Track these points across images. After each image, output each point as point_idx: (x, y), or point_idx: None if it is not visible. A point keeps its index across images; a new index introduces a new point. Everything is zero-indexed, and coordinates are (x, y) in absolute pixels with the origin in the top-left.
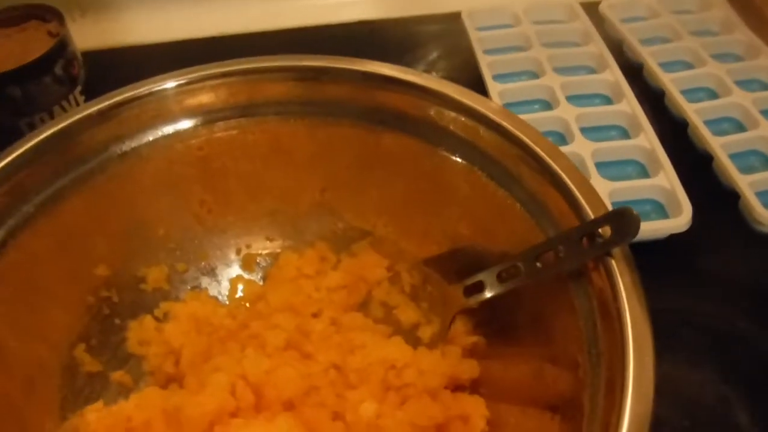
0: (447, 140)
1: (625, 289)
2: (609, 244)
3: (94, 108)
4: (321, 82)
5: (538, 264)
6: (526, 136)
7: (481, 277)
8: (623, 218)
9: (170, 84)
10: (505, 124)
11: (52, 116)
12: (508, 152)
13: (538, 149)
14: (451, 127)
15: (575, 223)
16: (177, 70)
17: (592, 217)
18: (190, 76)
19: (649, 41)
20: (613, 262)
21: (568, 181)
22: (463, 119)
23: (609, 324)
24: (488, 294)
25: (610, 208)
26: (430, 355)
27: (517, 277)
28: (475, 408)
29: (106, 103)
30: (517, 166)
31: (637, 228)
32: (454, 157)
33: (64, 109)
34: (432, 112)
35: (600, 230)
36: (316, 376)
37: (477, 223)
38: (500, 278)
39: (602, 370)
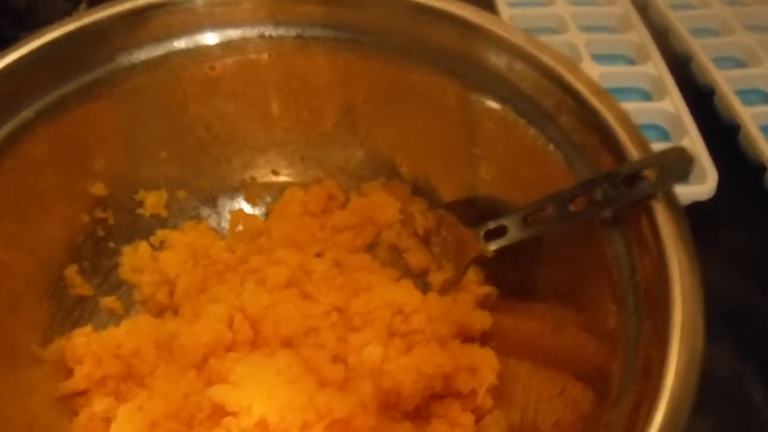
0: (476, 74)
1: (671, 234)
2: (656, 185)
3: (104, 13)
4: (346, 6)
5: (572, 208)
6: (565, 70)
7: (504, 221)
8: (674, 157)
9: None
10: (542, 56)
11: None
12: (544, 88)
13: (579, 85)
14: (483, 61)
15: (615, 166)
16: None
17: (636, 159)
18: None
19: (677, 6)
20: (658, 205)
21: (612, 120)
22: (497, 51)
23: (651, 272)
24: (511, 239)
25: None
26: (441, 301)
27: (545, 222)
28: (485, 360)
29: (117, 9)
30: (554, 104)
31: (690, 169)
32: (481, 93)
33: None
34: (463, 44)
35: (644, 172)
36: (317, 317)
37: (502, 166)
38: (526, 222)
39: (640, 321)
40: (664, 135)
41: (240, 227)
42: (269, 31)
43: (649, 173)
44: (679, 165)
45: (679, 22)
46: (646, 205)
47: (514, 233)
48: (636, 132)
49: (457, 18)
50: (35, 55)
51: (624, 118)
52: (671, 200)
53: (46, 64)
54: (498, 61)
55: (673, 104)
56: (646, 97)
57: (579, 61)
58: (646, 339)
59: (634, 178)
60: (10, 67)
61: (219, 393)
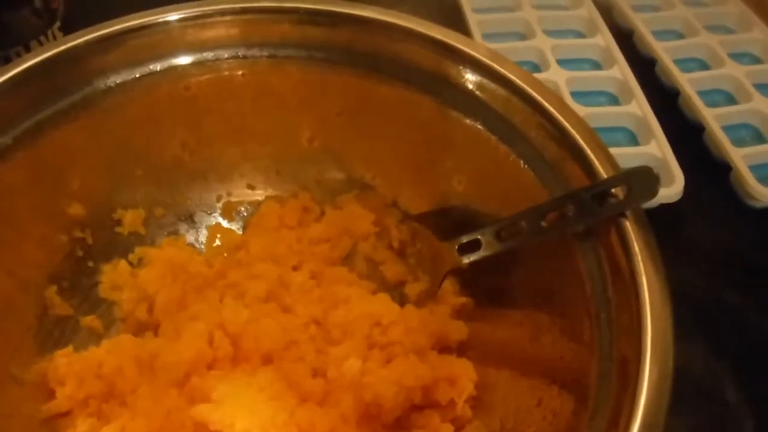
0: (447, 91)
1: (640, 251)
2: (624, 204)
3: (81, 39)
4: (318, 25)
5: (543, 223)
6: (535, 90)
7: (478, 234)
8: (642, 177)
9: (161, 19)
10: (512, 77)
11: (28, 51)
12: (514, 107)
13: (547, 105)
14: (453, 79)
15: (584, 183)
16: (169, 5)
17: (604, 177)
18: (182, 12)
19: (640, 8)
20: (627, 223)
21: (579, 139)
22: (466, 70)
23: (622, 288)
24: (485, 252)
25: None
26: (418, 313)
27: (518, 236)
28: (464, 370)
29: (94, 34)
30: (523, 121)
31: (657, 189)
32: (453, 110)
33: (41, 44)
34: (433, 62)
35: (613, 190)
36: (295, 330)
37: (474, 180)
38: (499, 237)
39: (613, 336)
40: (632, 138)
41: (217, 242)
42: (242, 51)
43: (617, 191)
44: (646, 185)
45: (643, 24)
46: (616, 222)
47: (488, 247)
48: (604, 149)
49: (426, 37)
50: (12, 82)
51: (591, 136)
52: (639, 218)
53: (23, 91)
54: (467, 79)
55: (639, 107)
56: (613, 100)
57: (546, 66)
58: (619, 354)
59: (603, 195)
60: None
61: (202, 412)
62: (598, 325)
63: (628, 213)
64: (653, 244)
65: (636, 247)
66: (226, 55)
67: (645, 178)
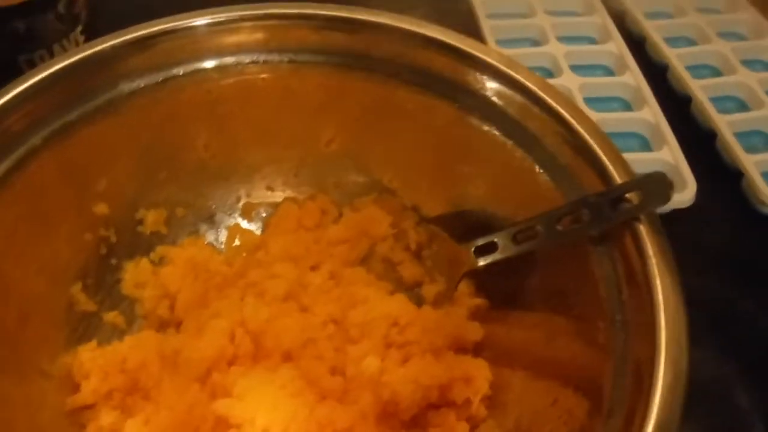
0: (464, 98)
1: (655, 254)
2: (638, 209)
3: (108, 43)
4: (336, 31)
5: (559, 227)
6: (550, 97)
7: (494, 237)
8: (656, 183)
9: (184, 24)
10: (528, 84)
11: (52, 54)
12: (530, 113)
13: (563, 111)
14: (470, 85)
15: (599, 187)
16: (191, 11)
17: (619, 182)
18: (204, 18)
19: (652, 15)
20: (642, 227)
21: (594, 145)
22: (483, 77)
23: (636, 291)
24: (501, 255)
25: None
26: (435, 314)
27: (534, 240)
28: (479, 370)
29: (119, 39)
30: (539, 127)
31: (671, 194)
32: (470, 115)
33: (64, 48)
34: (450, 69)
35: (627, 195)
36: (314, 329)
37: (490, 184)
38: (515, 240)
39: (628, 338)
40: (644, 143)
41: (237, 242)
42: (263, 56)
43: (632, 196)
44: (660, 190)
45: (655, 31)
46: (631, 226)
47: (504, 250)
48: (618, 155)
49: (443, 44)
50: (42, 84)
51: (606, 142)
52: (654, 223)
53: (51, 93)
54: (484, 85)
55: (651, 113)
56: (626, 106)
57: (559, 72)
58: (634, 356)
59: (618, 200)
60: (18, 97)
61: (223, 406)
62: (613, 327)
63: (642, 217)
64: (667, 247)
65: (650, 251)
66: (247, 60)
67: (659, 184)
